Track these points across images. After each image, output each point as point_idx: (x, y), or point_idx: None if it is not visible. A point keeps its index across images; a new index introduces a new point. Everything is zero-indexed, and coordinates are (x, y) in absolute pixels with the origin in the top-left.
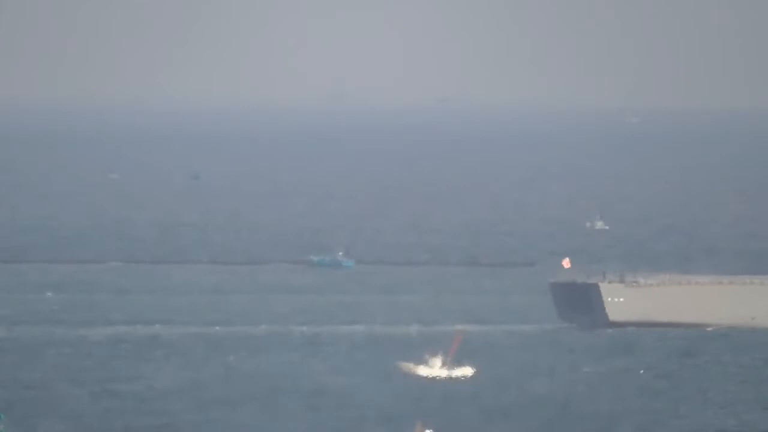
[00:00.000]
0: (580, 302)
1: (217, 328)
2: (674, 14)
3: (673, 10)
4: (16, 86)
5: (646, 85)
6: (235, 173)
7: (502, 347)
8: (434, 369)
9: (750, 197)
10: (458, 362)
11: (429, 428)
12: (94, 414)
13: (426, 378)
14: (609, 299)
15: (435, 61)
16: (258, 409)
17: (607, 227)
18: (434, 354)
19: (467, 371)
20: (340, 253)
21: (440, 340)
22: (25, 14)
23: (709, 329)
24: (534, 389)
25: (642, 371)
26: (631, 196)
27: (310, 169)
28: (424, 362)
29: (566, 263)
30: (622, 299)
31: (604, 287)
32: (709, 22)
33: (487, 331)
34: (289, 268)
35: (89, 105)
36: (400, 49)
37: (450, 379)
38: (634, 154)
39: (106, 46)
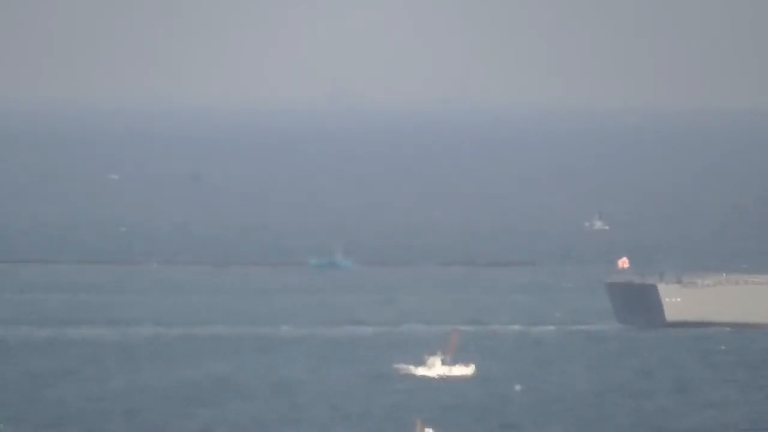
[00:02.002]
0: (637, 302)
1: (216, 328)
2: (674, 14)
3: (673, 10)
4: (4, 86)
5: (646, 85)
6: (234, 174)
7: (502, 347)
8: (433, 369)
9: (750, 197)
10: (457, 362)
11: (429, 428)
12: (90, 414)
13: (425, 378)
14: (667, 299)
15: (435, 61)
16: (256, 410)
17: (606, 227)
18: (433, 354)
19: (467, 371)
20: (339, 254)
21: (439, 340)
22: (14, 15)
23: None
24: (534, 389)
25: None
26: (631, 196)
27: (308, 170)
28: (423, 362)
29: (623, 263)
30: (679, 299)
31: (662, 288)
32: (710, 22)
33: (486, 332)
34: (288, 269)
35: (78, 106)
36: (400, 49)
37: (449, 378)
38: (634, 154)
39: (95, 46)
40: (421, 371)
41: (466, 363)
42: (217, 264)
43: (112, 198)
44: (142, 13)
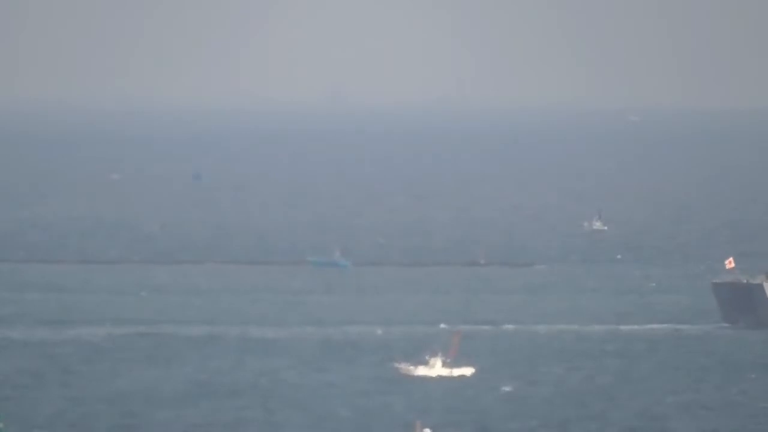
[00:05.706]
0: (743, 302)
1: (215, 328)
2: (675, 14)
3: (673, 10)
4: (4, 86)
5: (646, 85)
6: (234, 174)
7: (501, 347)
8: (434, 369)
9: (750, 197)
10: (458, 362)
11: (429, 428)
12: (87, 414)
13: (426, 378)
14: None
15: (435, 61)
16: (256, 409)
17: (605, 227)
18: (434, 355)
19: (467, 371)
20: (337, 253)
21: (439, 340)
22: (14, 14)
23: None
24: (533, 388)
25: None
26: (630, 196)
27: (307, 169)
28: (423, 362)
29: (729, 263)
30: None
31: None
32: (710, 22)
33: (485, 332)
34: (286, 268)
35: (79, 106)
36: (399, 49)
37: (450, 379)
38: (634, 153)
39: (96, 46)
40: (421, 371)
41: (466, 363)
42: (217, 263)
43: (113, 198)
44: (144, 14)
